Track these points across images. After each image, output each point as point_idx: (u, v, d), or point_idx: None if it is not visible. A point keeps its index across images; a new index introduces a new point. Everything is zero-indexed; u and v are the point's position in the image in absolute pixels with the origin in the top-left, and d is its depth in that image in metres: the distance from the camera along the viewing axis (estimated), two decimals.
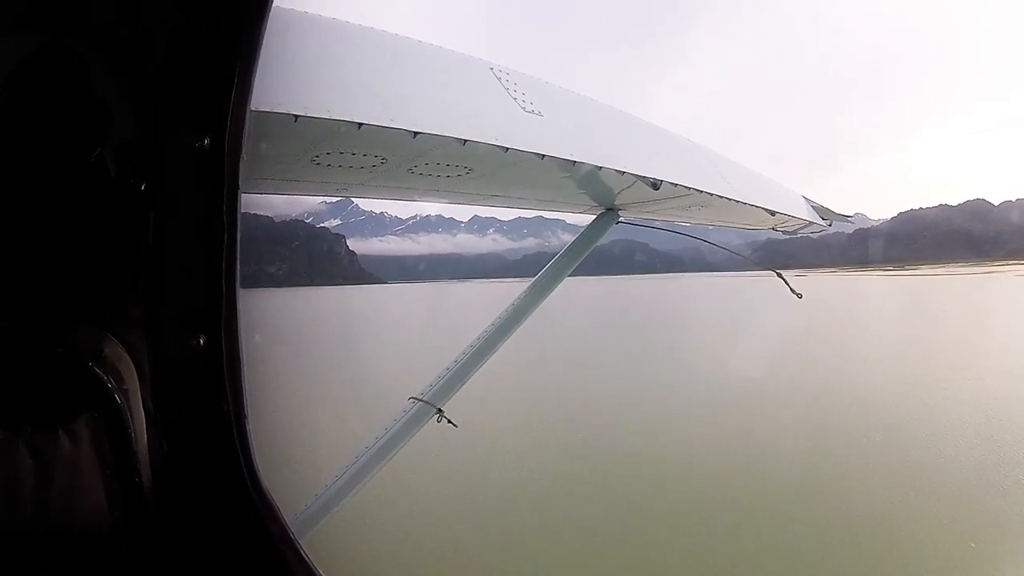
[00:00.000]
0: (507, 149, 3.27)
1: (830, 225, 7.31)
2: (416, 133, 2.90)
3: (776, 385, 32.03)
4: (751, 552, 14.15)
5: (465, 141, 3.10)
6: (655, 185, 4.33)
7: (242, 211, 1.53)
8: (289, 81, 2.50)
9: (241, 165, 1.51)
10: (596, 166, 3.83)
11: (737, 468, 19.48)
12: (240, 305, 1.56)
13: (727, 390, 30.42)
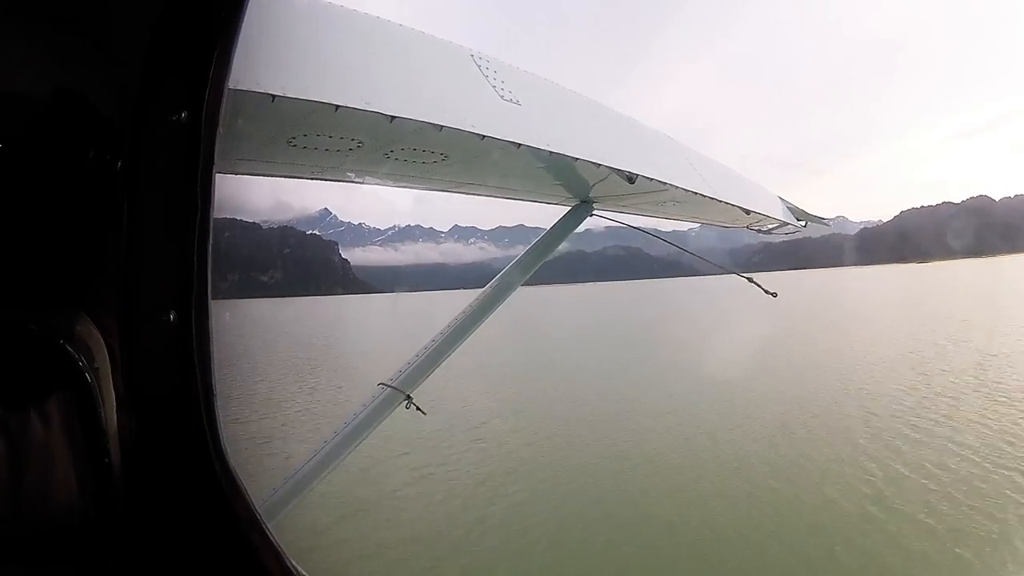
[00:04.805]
0: (483, 137, 3.27)
1: (805, 226, 7.38)
2: (393, 117, 2.89)
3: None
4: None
5: (442, 127, 3.09)
6: (630, 179, 4.34)
7: (220, 192, 1.52)
8: (268, 60, 2.47)
9: (217, 142, 1.51)
10: (572, 157, 3.85)
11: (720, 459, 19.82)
12: (211, 282, 1.56)
13: (706, 379, 31.04)
